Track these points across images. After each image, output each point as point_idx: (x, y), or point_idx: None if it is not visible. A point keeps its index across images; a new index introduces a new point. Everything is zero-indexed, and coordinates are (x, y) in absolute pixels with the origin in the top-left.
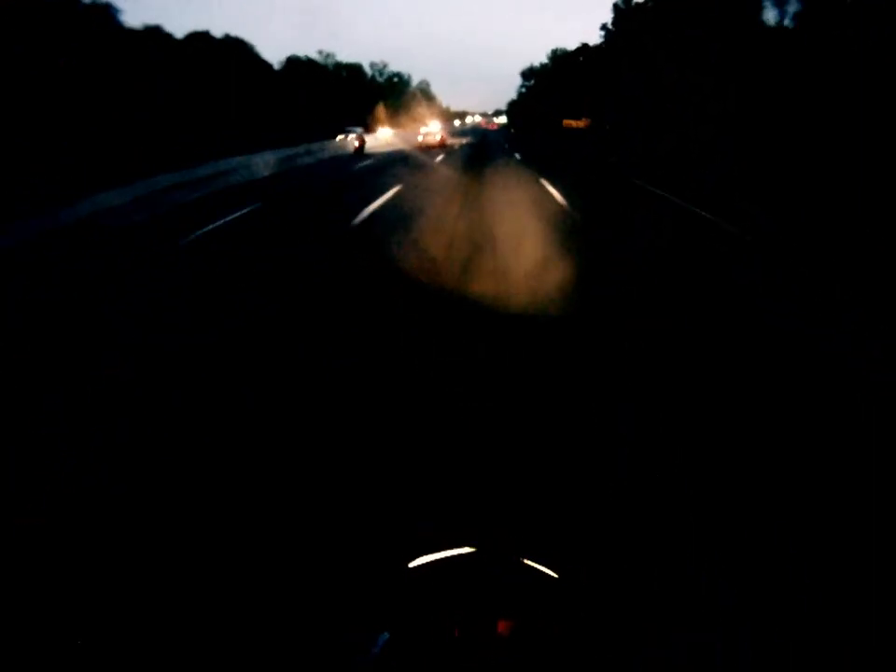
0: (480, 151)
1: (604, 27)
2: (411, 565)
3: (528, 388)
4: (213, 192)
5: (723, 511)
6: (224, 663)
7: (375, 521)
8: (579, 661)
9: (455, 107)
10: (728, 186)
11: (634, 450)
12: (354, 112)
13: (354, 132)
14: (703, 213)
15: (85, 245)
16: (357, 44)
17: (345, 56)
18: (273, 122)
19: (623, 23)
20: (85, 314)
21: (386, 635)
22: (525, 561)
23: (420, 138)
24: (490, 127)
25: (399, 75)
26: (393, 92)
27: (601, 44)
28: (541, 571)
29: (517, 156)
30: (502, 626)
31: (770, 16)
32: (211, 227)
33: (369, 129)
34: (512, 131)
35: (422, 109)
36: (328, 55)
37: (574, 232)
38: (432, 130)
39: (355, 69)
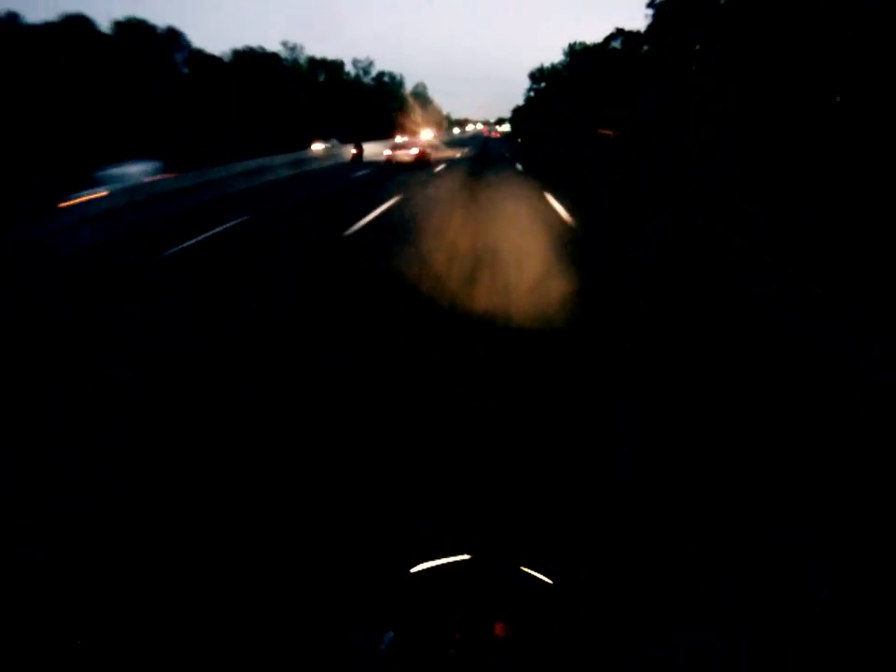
0: (478, 166)
1: (652, 3)
2: (413, 570)
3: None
4: None
5: (723, 508)
6: (232, 662)
7: (374, 515)
8: (574, 661)
9: (455, 115)
10: (728, 186)
11: (630, 444)
12: (334, 118)
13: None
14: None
15: None
16: (351, 45)
17: (324, 52)
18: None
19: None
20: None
21: (392, 634)
22: (522, 568)
23: (387, 152)
24: (492, 135)
25: (390, 75)
26: (382, 96)
27: (649, 26)
28: (537, 577)
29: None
30: (499, 629)
31: None
32: None
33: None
34: (519, 140)
35: (415, 117)
36: (293, 47)
37: None
38: (405, 142)
39: (333, 67)
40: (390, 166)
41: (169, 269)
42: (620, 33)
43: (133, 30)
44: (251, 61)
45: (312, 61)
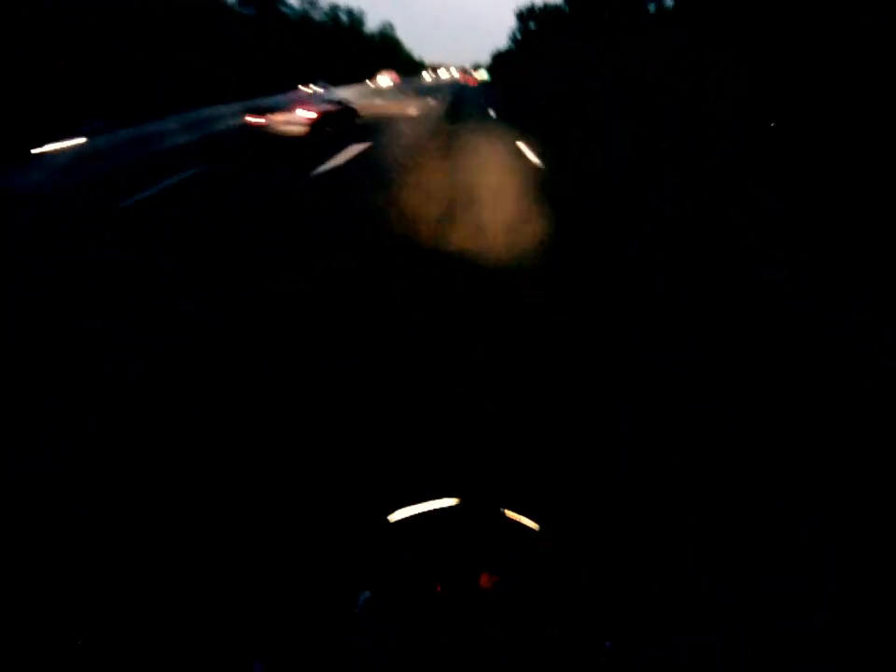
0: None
1: None
2: (391, 518)
3: None
4: None
5: (727, 495)
6: (203, 621)
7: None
8: (560, 614)
9: (430, 61)
10: (740, 169)
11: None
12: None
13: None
14: None
15: None
16: None
17: None
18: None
19: None
20: None
21: (367, 593)
22: (507, 512)
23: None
24: (469, 82)
25: (347, 11)
26: (336, 36)
27: None
28: (523, 524)
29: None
30: (485, 580)
31: None
32: None
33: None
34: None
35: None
36: None
37: None
38: (298, 100)
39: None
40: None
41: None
42: None
43: None
44: None
45: None
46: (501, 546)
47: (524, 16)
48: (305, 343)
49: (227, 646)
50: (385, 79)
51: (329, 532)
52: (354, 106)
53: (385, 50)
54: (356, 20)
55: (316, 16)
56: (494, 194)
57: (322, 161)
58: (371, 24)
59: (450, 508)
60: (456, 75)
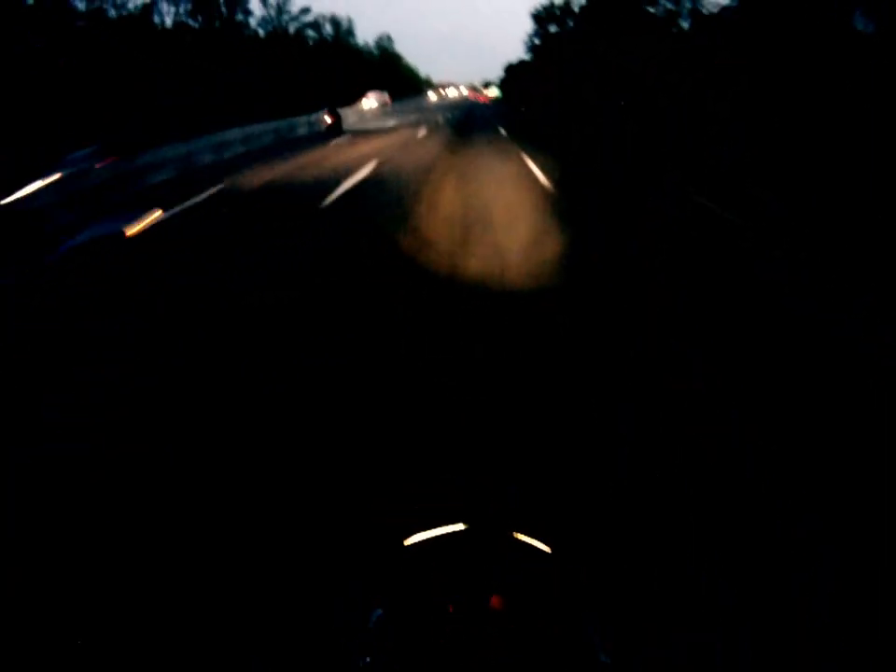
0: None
1: None
2: (406, 542)
3: None
4: None
5: (724, 492)
6: (219, 638)
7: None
8: (570, 635)
9: (438, 80)
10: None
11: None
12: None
13: None
14: None
15: None
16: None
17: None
18: None
19: None
20: None
21: (380, 611)
22: (518, 536)
23: None
24: (479, 99)
25: (332, 20)
26: (320, 49)
27: None
28: (534, 546)
29: None
30: (495, 601)
31: None
32: None
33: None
34: (523, 109)
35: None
36: None
37: None
38: None
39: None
40: None
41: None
42: None
43: None
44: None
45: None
46: (511, 568)
47: (541, 17)
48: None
49: (243, 661)
50: (370, 102)
51: (345, 554)
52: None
53: (383, 66)
54: (342, 30)
55: (292, 28)
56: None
57: None
58: (368, 37)
59: (462, 532)
60: (465, 92)
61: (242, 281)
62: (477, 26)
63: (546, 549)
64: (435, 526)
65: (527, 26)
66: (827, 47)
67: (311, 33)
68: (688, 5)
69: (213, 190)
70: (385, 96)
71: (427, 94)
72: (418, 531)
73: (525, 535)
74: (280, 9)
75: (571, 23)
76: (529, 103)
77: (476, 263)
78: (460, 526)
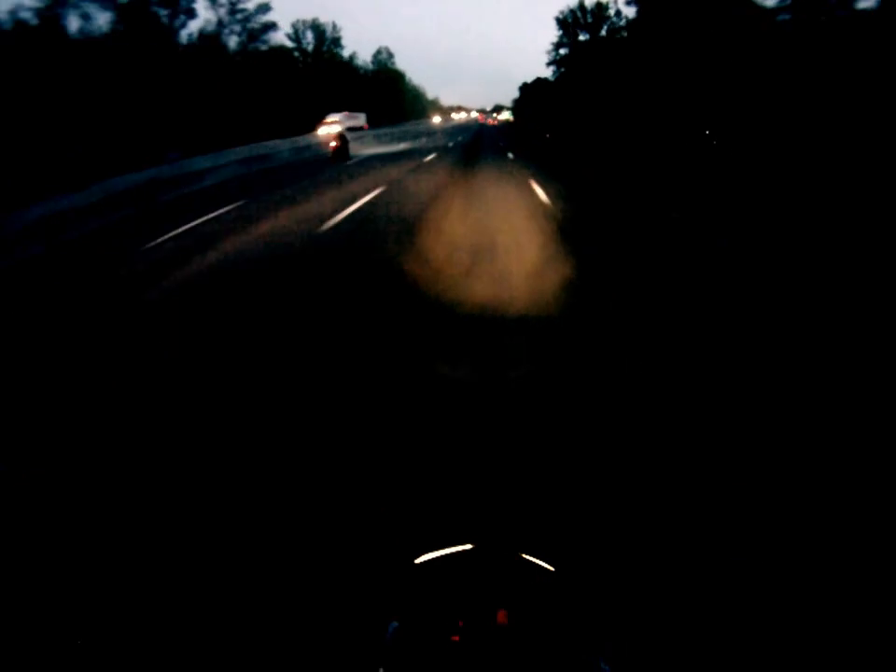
0: None
1: None
2: (417, 561)
3: None
4: None
5: None
6: (238, 650)
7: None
8: (573, 647)
9: (448, 102)
10: None
11: None
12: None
13: None
14: None
15: None
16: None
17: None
18: None
19: None
20: None
21: (395, 623)
22: (523, 556)
23: None
24: (489, 122)
25: (316, 27)
26: (304, 66)
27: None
28: (538, 564)
29: None
30: (501, 616)
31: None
32: None
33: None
34: (547, 135)
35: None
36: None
37: None
38: None
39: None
40: None
41: None
42: None
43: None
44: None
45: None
46: (517, 585)
47: (567, 22)
48: None
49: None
50: (330, 128)
51: (363, 571)
52: None
53: (379, 85)
54: (327, 39)
55: (242, 35)
56: None
57: None
58: (366, 53)
59: (470, 551)
60: (475, 115)
61: None
62: (495, 52)
63: (550, 568)
64: (444, 547)
65: (548, 44)
66: None
67: (285, 41)
68: None
69: None
70: (360, 119)
71: (430, 119)
72: (428, 552)
73: (530, 555)
74: (233, 8)
75: (605, 29)
76: (551, 129)
77: None
78: (468, 546)
